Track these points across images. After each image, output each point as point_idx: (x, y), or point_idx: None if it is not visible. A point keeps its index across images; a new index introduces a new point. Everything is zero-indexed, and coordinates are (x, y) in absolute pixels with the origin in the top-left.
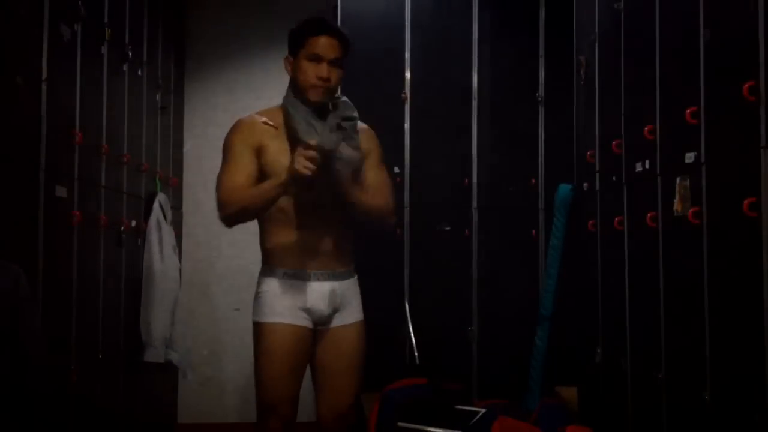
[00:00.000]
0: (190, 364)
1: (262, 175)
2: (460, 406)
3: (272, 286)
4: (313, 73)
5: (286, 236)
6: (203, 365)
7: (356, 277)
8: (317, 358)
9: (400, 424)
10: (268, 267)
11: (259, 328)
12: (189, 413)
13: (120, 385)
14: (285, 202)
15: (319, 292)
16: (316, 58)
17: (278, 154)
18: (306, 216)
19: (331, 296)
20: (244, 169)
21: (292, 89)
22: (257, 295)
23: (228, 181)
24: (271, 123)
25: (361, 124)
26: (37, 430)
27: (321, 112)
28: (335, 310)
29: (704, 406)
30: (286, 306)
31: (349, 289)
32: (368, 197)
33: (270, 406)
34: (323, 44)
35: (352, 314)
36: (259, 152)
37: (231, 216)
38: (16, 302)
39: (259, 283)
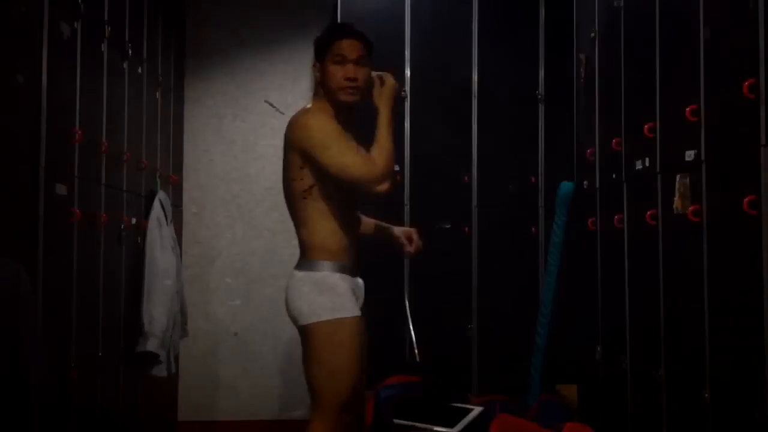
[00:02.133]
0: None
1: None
2: (455, 404)
3: (338, 280)
4: (341, 75)
5: (339, 230)
6: (203, 363)
7: None
8: None
9: (396, 420)
10: (329, 262)
11: (338, 324)
12: (189, 411)
13: (120, 383)
14: (336, 197)
15: (360, 286)
16: (342, 60)
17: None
18: (350, 211)
19: (360, 291)
20: (353, 144)
21: (324, 92)
22: (322, 290)
23: (362, 158)
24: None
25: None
26: (37, 427)
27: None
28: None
29: (704, 404)
30: (353, 300)
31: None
32: None
33: (347, 403)
34: (346, 46)
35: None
36: None
37: (391, 181)
38: (17, 299)
39: (316, 279)
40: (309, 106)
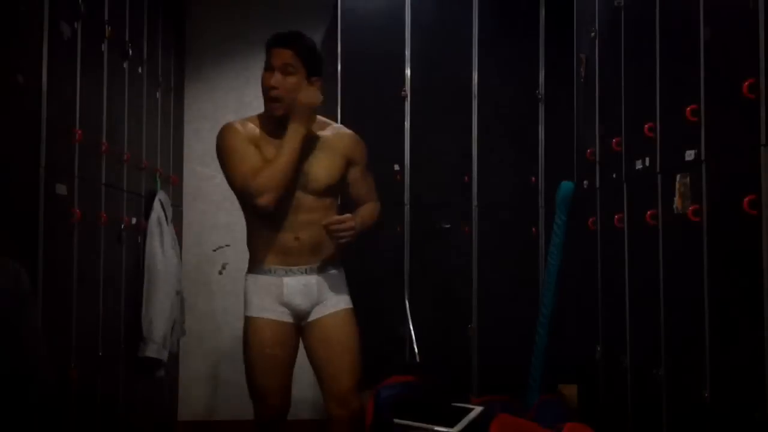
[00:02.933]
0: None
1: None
2: (456, 404)
3: (253, 282)
4: (265, 82)
5: (266, 236)
6: (203, 362)
7: (341, 269)
8: (309, 351)
9: (396, 420)
10: (252, 264)
11: (245, 322)
12: (189, 411)
13: (120, 383)
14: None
15: (293, 287)
16: (268, 67)
17: (272, 153)
18: (283, 217)
19: (306, 290)
20: (253, 156)
21: None
22: (244, 291)
23: (249, 170)
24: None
25: (344, 130)
26: (37, 428)
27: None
28: (314, 304)
29: (704, 404)
30: (266, 301)
31: (327, 281)
32: (368, 215)
33: (259, 394)
34: (275, 53)
35: (334, 304)
36: (256, 149)
37: (273, 195)
38: (17, 299)
39: (245, 280)
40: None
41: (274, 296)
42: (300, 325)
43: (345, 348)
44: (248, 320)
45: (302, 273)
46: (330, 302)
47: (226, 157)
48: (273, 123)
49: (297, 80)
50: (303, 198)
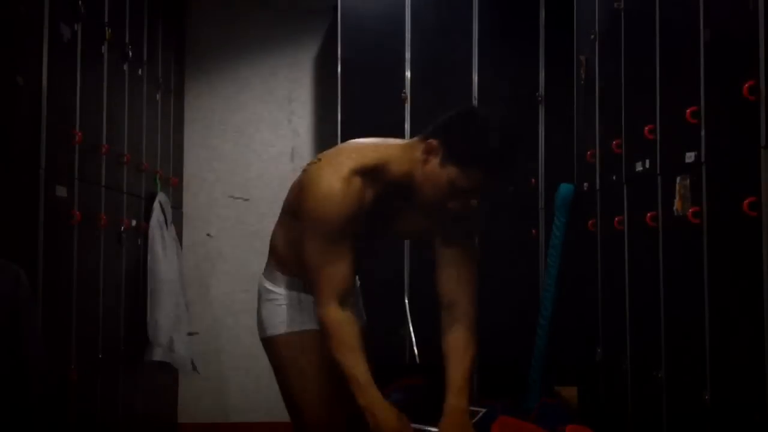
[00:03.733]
0: (190, 363)
1: None
2: None
3: (296, 299)
4: (454, 198)
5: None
6: (204, 365)
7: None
8: None
9: None
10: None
11: (286, 341)
12: (190, 413)
13: (120, 385)
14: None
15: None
16: (470, 193)
17: (356, 226)
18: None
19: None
20: (348, 250)
21: (408, 165)
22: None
23: (334, 279)
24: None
25: None
26: (37, 429)
27: None
28: None
29: (704, 406)
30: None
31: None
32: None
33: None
34: (480, 183)
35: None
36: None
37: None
38: (16, 302)
39: (273, 295)
40: (341, 158)
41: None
42: None
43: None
44: (298, 336)
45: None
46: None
47: (317, 237)
48: (390, 188)
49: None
50: (382, 240)
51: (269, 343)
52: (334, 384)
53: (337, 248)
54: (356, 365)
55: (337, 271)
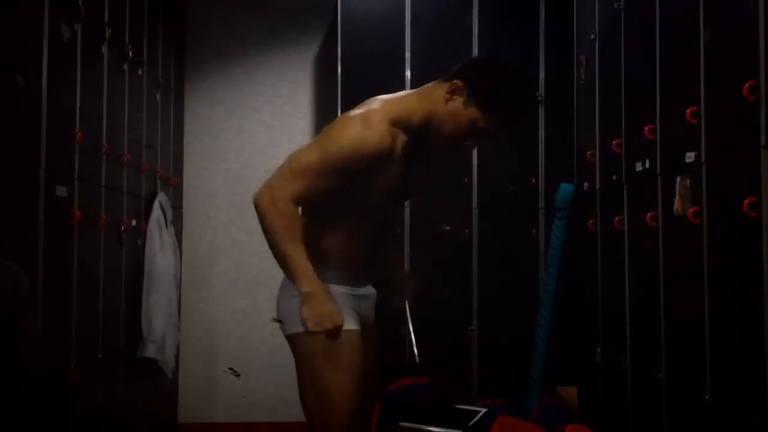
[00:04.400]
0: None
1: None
2: (461, 406)
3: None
4: (470, 134)
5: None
6: (203, 365)
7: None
8: None
9: (402, 423)
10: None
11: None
12: (189, 413)
13: (120, 385)
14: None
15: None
16: (486, 131)
17: (386, 179)
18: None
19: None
20: (319, 190)
21: (429, 107)
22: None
23: (300, 194)
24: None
25: None
26: (36, 430)
27: None
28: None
29: (704, 406)
30: (350, 314)
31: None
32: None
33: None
34: (500, 127)
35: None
36: (358, 174)
37: (261, 219)
38: (16, 302)
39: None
40: (375, 106)
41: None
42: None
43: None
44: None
45: (362, 284)
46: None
47: (322, 147)
48: (414, 138)
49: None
50: (387, 205)
51: (295, 340)
52: (363, 382)
53: (328, 182)
54: (304, 258)
55: (311, 190)
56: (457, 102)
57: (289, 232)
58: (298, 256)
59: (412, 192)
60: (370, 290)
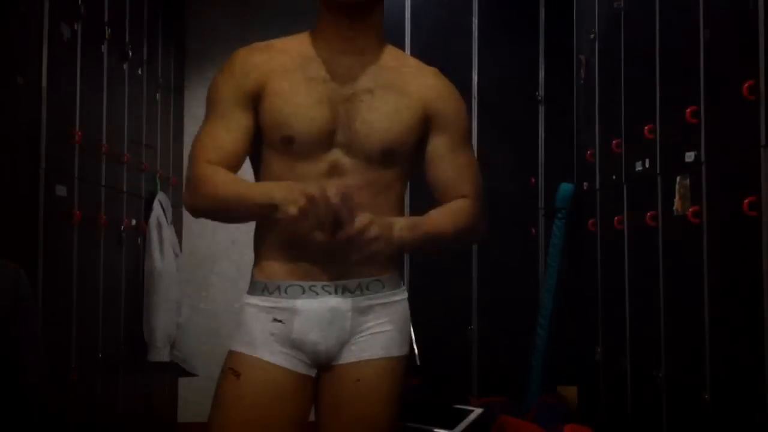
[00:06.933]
0: (194, 362)
1: (259, 130)
2: (457, 405)
3: (248, 308)
4: None
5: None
6: (204, 365)
7: (401, 288)
8: (321, 411)
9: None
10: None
11: (224, 364)
12: (189, 413)
13: (120, 385)
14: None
15: (311, 316)
16: None
17: (289, 96)
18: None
19: (332, 319)
20: (229, 133)
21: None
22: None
23: (205, 153)
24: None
25: (427, 68)
26: (36, 430)
27: None
28: (342, 342)
29: (704, 406)
30: (263, 337)
31: (370, 309)
32: (446, 221)
33: None
34: None
35: (372, 346)
36: (257, 98)
37: (197, 209)
38: (16, 302)
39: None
40: None
41: (279, 330)
42: (314, 376)
43: (375, 421)
44: (231, 358)
45: (328, 293)
46: (368, 343)
47: (207, 105)
48: (331, 30)
49: None
50: (344, 164)
51: None
52: None
53: (224, 122)
54: (251, 183)
55: (214, 140)
56: None
57: (223, 185)
58: (245, 187)
59: (363, 137)
60: (339, 303)
